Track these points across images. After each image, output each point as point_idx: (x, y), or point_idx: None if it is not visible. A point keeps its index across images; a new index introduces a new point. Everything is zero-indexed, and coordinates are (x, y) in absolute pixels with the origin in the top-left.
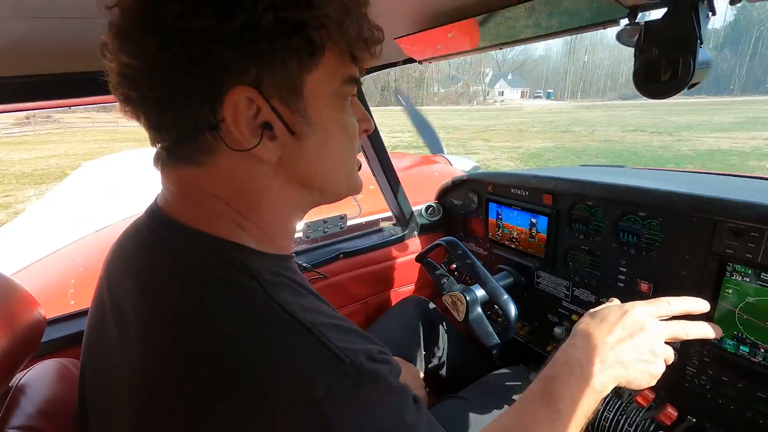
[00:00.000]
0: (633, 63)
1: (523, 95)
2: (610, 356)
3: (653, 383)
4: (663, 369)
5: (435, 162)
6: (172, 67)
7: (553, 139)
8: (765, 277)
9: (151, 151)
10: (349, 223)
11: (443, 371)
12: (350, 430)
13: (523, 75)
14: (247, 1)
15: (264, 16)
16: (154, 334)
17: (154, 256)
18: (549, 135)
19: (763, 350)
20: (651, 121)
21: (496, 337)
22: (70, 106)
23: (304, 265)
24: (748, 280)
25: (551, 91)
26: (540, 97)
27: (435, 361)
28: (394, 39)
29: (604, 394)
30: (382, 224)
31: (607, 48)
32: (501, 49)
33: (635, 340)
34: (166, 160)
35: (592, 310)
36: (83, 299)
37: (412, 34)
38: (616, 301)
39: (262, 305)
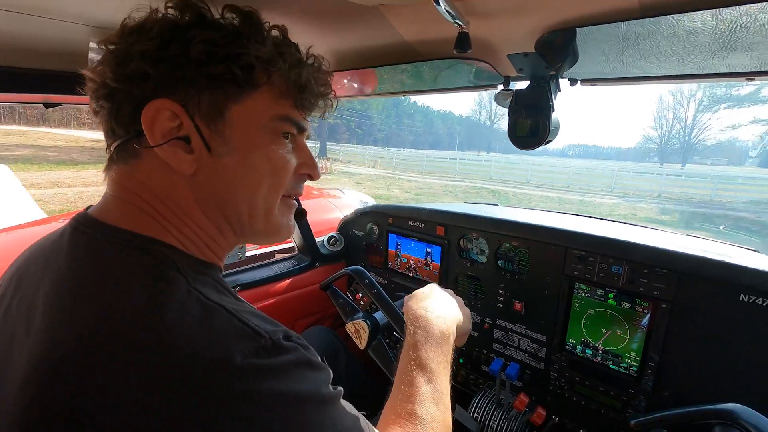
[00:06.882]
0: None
1: None
2: (437, 309)
3: (470, 326)
4: (468, 312)
5: (325, 195)
6: (118, 80)
7: None
8: (599, 293)
9: None
10: (249, 253)
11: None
12: (268, 394)
13: None
14: (184, 35)
15: (195, 47)
16: (64, 323)
17: (74, 252)
18: None
19: (601, 351)
20: None
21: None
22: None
23: None
24: (588, 295)
25: None
26: None
27: None
28: None
29: (452, 340)
30: (284, 255)
31: None
32: (404, 96)
33: (439, 296)
34: (108, 164)
35: (408, 295)
36: None
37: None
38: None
39: (185, 292)
